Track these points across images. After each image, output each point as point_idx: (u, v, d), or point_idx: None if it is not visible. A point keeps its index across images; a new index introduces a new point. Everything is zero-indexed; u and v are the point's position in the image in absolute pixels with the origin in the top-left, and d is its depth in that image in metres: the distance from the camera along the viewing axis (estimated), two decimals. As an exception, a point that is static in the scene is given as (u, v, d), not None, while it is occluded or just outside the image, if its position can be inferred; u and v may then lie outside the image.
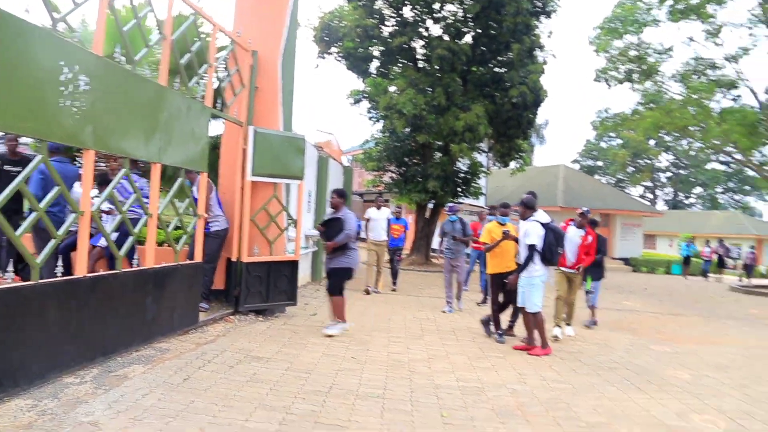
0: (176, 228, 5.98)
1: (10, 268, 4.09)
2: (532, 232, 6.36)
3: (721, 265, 24.47)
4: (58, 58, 3.81)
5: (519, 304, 6.60)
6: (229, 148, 7.37)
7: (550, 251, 6.36)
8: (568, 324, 7.80)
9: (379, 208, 10.65)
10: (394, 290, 11.20)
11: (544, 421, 4.08)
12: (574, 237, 7.56)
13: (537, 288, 6.37)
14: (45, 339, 3.89)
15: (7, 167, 5.88)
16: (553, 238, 6.42)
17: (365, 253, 10.00)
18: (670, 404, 4.68)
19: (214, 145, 8.67)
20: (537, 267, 6.39)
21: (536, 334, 6.44)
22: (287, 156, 7.24)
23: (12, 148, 6.17)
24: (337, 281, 6.55)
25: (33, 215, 3.78)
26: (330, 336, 6.34)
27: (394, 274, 11.55)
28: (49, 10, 3.87)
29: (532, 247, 6.34)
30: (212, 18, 6.08)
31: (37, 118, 3.65)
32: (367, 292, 10.46)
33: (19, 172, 5.63)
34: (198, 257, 6.05)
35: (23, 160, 6.10)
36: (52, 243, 3.98)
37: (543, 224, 6.43)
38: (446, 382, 4.95)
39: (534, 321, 6.42)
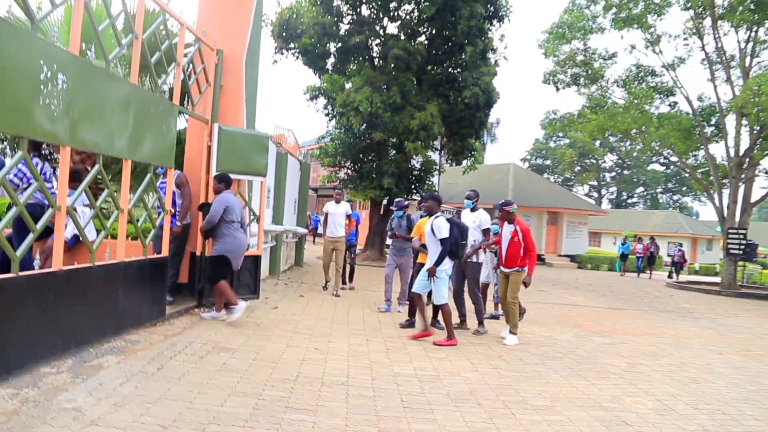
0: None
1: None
2: (442, 227, 6.61)
3: (650, 262, 24.67)
4: (37, 57, 3.93)
5: (435, 302, 6.87)
6: (193, 144, 7.50)
7: (456, 245, 6.70)
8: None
9: (338, 202, 10.05)
10: (352, 288, 11.36)
11: (495, 405, 4.47)
12: (506, 234, 7.21)
13: (443, 281, 6.72)
14: (22, 330, 4.01)
15: None
16: (458, 232, 6.77)
17: (321, 250, 10.08)
18: (606, 389, 5.18)
19: (179, 141, 8.76)
20: (444, 261, 6.66)
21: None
22: (251, 153, 7.43)
23: None
24: (211, 270, 6.65)
25: (14, 209, 3.90)
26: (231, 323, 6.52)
27: (351, 271, 11.61)
28: (29, 11, 3.98)
29: (444, 241, 6.56)
30: (180, 17, 6.21)
31: (17, 116, 3.77)
32: (325, 288, 10.59)
33: None
34: (165, 251, 6.19)
35: None
36: (30, 236, 4.10)
37: (447, 219, 6.77)
38: (404, 371, 5.29)
39: (444, 312, 6.73)
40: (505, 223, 7.22)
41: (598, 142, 52.71)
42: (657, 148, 21.76)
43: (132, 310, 5.53)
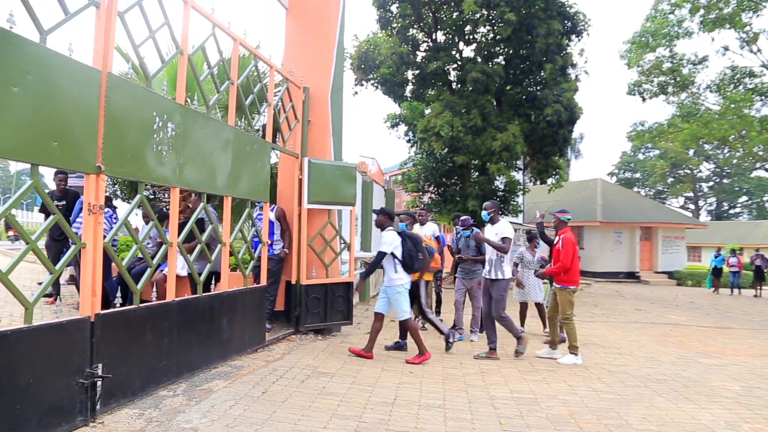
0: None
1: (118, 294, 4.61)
2: (385, 241, 6.52)
3: (758, 277, 20.73)
4: (151, 109, 4.36)
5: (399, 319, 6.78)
6: (285, 178, 7.91)
7: (410, 258, 6.51)
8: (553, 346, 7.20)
9: (422, 224, 9.06)
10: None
11: (597, 429, 4.35)
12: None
13: (401, 296, 6.52)
14: (144, 357, 4.39)
15: (55, 202, 6.72)
16: (412, 245, 6.58)
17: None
18: (719, 414, 4.86)
19: (271, 175, 9.25)
20: (399, 275, 6.53)
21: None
22: (340, 184, 7.72)
23: (60, 187, 7.16)
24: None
25: (134, 247, 4.32)
26: None
27: (438, 301, 9.87)
28: (145, 71, 4.44)
29: (391, 256, 6.50)
30: (269, 60, 6.64)
31: (135, 163, 4.19)
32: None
33: (64, 206, 6.51)
34: (263, 281, 6.52)
35: (67, 195, 7.20)
36: (148, 271, 4.50)
37: (399, 233, 6.66)
38: (501, 394, 5.26)
39: (409, 328, 6.63)
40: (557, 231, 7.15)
41: (691, 151, 49.91)
42: (761, 153, 20.36)
43: (235, 337, 5.86)
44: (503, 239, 6.94)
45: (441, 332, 7.29)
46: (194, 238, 5.46)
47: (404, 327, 6.92)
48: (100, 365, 3.86)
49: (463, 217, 8.25)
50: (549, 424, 4.41)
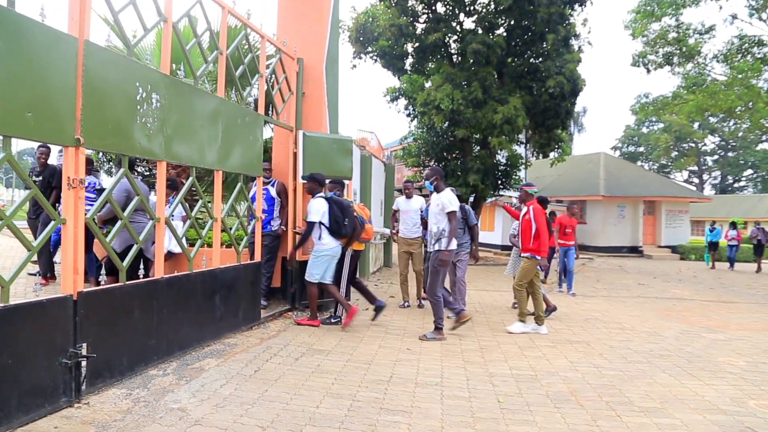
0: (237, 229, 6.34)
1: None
2: (312, 209, 6.44)
3: (758, 251, 19.78)
4: (134, 79, 4.17)
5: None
6: (279, 151, 7.72)
7: (337, 224, 6.45)
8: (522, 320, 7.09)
9: (409, 197, 8.47)
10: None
11: (598, 406, 4.24)
12: (522, 214, 7.25)
13: (321, 261, 6.49)
14: (131, 335, 4.27)
15: (33, 177, 6.60)
16: (339, 210, 6.48)
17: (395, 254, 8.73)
18: (724, 390, 4.74)
19: (265, 149, 9.06)
20: (324, 242, 6.49)
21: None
22: (336, 157, 7.54)
23: (41, 161, 7.00)
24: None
25: (119, 223, 4.17)
26: None
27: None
28: (125, 38, 4.23)
29: (309, 224, 6.45)
30: (261, 30, 6.40)
31: (117, 135, 4.01)
32: (404, 307, 8.48)
33: (42, 181, 6.33)
34: (258, 257, 6.39)
35: (47, 169, 6.99)
36: (135, 247, 4.36)
37: (327, 198, 6.55)
38: (500, 371, 5.15)
39: (309, 290, 6.67)
40: (524, 204, 7.27)
41: (696, 124, 49.31)
42: (767, 125, 20.02)
43: (229, 315, 5.75)
44: (448, 214, 6.32)
45: (345, 307, 6.76)
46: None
47: (329, 290, 6.72)
48: (84, 345, 3.74)
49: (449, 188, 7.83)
50: (549, 402, 4.30)
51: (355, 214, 6.77)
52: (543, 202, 7.96)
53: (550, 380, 4.89)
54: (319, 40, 7.75)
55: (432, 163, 19.38)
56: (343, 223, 6.48)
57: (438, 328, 6.40)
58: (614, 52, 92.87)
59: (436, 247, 6.40)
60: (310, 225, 6.46)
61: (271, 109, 7.08)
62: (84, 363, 3.74)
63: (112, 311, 4.06)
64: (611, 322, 7.86)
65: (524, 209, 7.20)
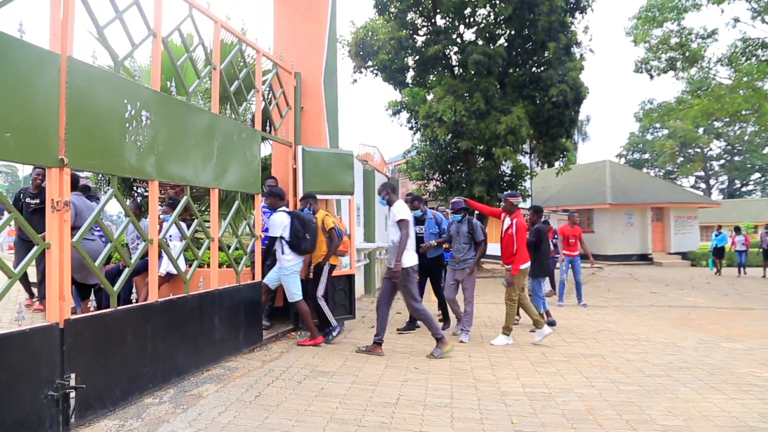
0: (236, 249, 6.15)
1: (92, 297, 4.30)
2: (275, 223, 6.24)
3: (767, 257, 18.47)
4: (121, 96, 4.02)
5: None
6: (279, 168, 7.57)
7: (297, 238, 6.23)
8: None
9: (415, 209, 7.52)
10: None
11: (618, 426, 3.99)
12: (505, 226, 7.03)
13: (290, 278, 6.29)
14: (124, 363, 4.07)
15: (27, 200, 6.38)
16: (300, 225, 6.27)
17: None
18: (751, 404, 4.46)
19: (265, 167, 8.91)
20: (287, 257, 6.27)
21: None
22: (337, 172, 7.37)
23: (36, 183, 6.74)
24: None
25: (108, 245, 3.99)
26: None
27: (441, 301, 7.94)
28: (112, 54, 4.09)
29: (280, 239, 6.25)
30: (256, 44, 6.28)
31: (105, 154, 3.85)
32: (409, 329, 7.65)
33: (37, 204, 6.14)
34: (258, 277, 6.20)
35: (41, 193, 6.66)
36: (126, 271, 4.18)
37: (288, 213, 6.35)
38: (512, 389, 4.91)
39: (299, 310, 6.48)
40: (507, 215, 7.02)
41: (701, 130, 49.01)
42: (774, 127, 19.77)
43: (229, 337, 5.55)
44: (398, 222, 6.03)
45: (329, 323, 6.66)
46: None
47: (318, 308, 6.62)
48: (72, 375, 3.55)
49: (454, 200, 7.33)
50: (565, 422, 4.06)
51: (332, 226, 6.61)
52: (538, 211, 7.82)
53: (565, 398, 4.66)
54: (317, 53, 7.63)
55: (436, 175, 19.23)
56: (304, 237, 6.26)
57: (439, 339, 6.16)
58: (615, 59, 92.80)
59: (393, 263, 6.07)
60: (272, 240, 6.36)
61: (268, 124, 6.92)
62: (73, 394, 3.55)
63: (102, 338, 3.87)
64: (625, 334, 7.60)
65: (507, 222, 6.95)
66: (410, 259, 6.08)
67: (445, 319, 7.81)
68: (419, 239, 7.29)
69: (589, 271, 20.06)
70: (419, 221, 7.59)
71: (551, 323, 7.81)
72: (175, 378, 4.65)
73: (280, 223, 6.23)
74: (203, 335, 5.09)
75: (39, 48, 3.35)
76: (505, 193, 7.21)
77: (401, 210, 6.09)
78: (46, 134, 3.39)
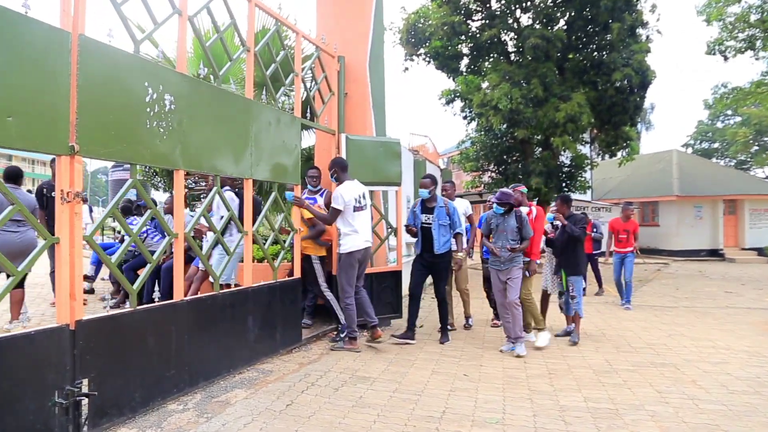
0: (274, 243, 5.80)
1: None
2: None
3: None
4: (142, 79, 3.71)
5: None
6: (322, 157, 7.19)
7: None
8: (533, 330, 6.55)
9: (451, 199, 7.03)
10: (496, 325, 7.40)
11: (700, 452, 3.42)
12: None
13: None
14: (145, 366, 3.78)
15: (52, 194, 6.20)
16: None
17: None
18: None
19: (309, 157, 8.59)
20: (234, 238, 5.72)
21: None
22: (383, 162, 6.93)
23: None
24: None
25: (127, 239, 3.70)
26: None
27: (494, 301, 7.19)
28: (131, 33, 3.78)
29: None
30: (295, 26, 5.90)
31: (122, 141, 3.55)
32: (446, 331, 6.62)
33: None
34: (297, 273, 5.84)
35: None
36: (148, 267, 3.89)
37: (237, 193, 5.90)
38: (573, 403, 4.37)
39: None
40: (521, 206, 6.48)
41: (779, 116, 45.76)
42: None
43: (265, 338, 5.22)
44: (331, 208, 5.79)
45: (338, 320, 6.23)
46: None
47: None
48: (85, 381, 3.27)
49: (501, 191, 6.27)
50: (636, 447, 3.51)
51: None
52: (566, 201, 6.79)
53: (634, 416, 4.08)
54: (362, 36, 7.20)
55: (491, 166, 18.51)
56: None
57: (351, 338, 5.87)
58: (681, 42, 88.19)
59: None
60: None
61: (310, 112, 6.54)
62: (85, 401, 3.27)
63: (119, 341, 3.58)
64: (701, 340, 6.85)
65: (526, 210, 6.47)
66: (344, 245, 5.81)
67: (444, 332, 6.61)
68: (426, 230, 6.36)
69: (653, 267, 18.93)
70: (427, 209, 6.42)
71: (568, 332, 6.83)
72: (204, 382, 4.35)
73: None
74: (235, 336, 4.77)
75: (46, 24, 3.06)
76: (508, 187, 6.72)
77: (336, 197, 5.77)
78: (55, 119, 3.10)
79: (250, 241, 5.03)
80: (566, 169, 17.85)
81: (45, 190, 6.73)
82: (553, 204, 6.93)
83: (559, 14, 15.99)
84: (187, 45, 4.40)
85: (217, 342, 4.52)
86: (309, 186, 6.69)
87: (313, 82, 6.63)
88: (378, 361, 5.49)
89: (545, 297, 7.04)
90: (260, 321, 5.12)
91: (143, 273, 3.88)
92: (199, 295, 4.46)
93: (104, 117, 3.41)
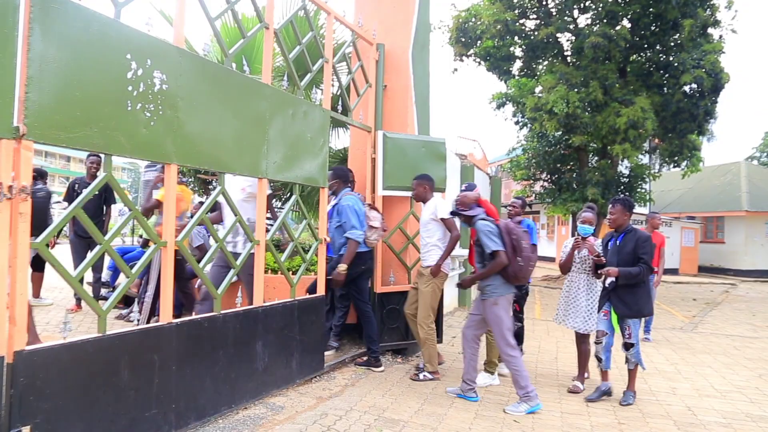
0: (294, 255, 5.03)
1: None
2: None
3: None
4: (122, 50, 2.99)
5: None
6: (356, 157, 6.40)
7: None
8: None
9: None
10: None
11: None
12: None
13: None
14: (117, 405, 3.03)
15: (82, 190, 5.63)
16: None
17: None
18: None
19: (344, 158, 7.84)
20: None
21: None
22: (425, 164, 6.08)
23: (91, 172, 6.26)
24: None
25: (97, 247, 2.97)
26: None
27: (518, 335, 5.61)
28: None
29: None
30: (326, 4, 5.13)
31: (92, 125, 2.82)
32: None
33: (94, 197, 5.27)
34: (320, 290, 5.03)
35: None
36: (126, 281, 3.15)
37: None
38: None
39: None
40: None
41: None
42: None
43: (277, 366, 4.42)
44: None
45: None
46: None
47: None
48: (26, 428, 2.54)
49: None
50: None
51: None
52: (628, 206, 5.05)
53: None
54: (405, 21, 6.37)
55: (543, 175, 17.39)
56: None
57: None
58: (748, 44, 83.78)
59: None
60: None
61: (341, 105, 5.75)
62: (24, 457, 2.54)
63: (80, 375, 2.84)
64: (801, 382, 5.71)
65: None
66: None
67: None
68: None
69: (721, 288, 17.37)
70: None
71: (604, 392, 4.94)
72: (196, 422, 3.58)
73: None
74: (239, 365, 3.99)
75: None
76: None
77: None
78: (-7, 92, 2.40)
79: (263, 253, 4.26)
80: (625, 179, 16.59)
81: (77, 185, 6.53)
82: (585, 209, 5.24)
83: (621, 12, 14.79)
84: (185, 15, 3.68)
85: (215, 373, 3.76)
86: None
87: (348, 72, 5.85)
88: (411, 398, 4.62)
89: (582, 341, 5.26)
90: (273, 346, 4.33)
91: (119, 288, 3.15)
92: (192, 317, 3.70)
93: (65, 94, 2.70)
